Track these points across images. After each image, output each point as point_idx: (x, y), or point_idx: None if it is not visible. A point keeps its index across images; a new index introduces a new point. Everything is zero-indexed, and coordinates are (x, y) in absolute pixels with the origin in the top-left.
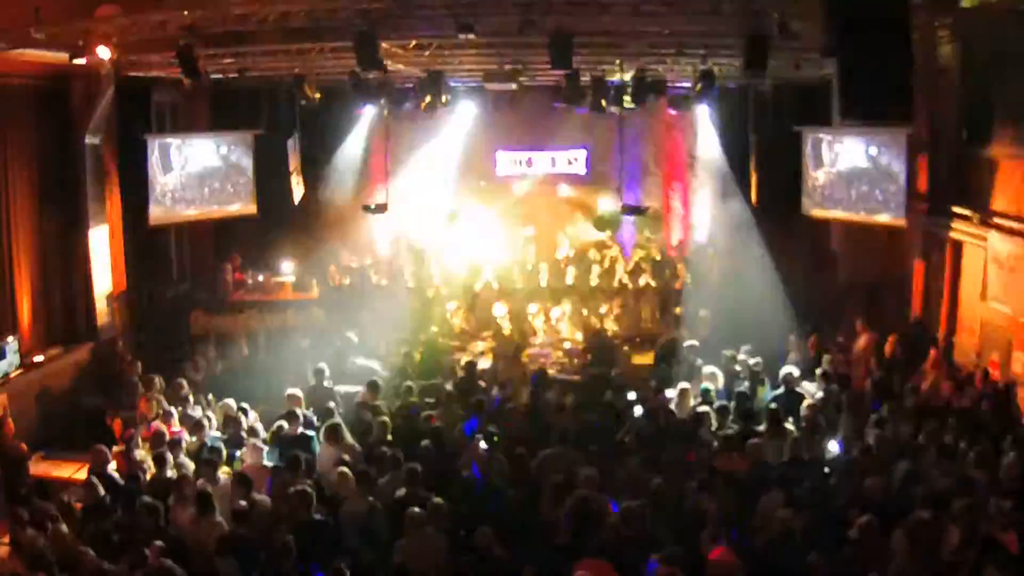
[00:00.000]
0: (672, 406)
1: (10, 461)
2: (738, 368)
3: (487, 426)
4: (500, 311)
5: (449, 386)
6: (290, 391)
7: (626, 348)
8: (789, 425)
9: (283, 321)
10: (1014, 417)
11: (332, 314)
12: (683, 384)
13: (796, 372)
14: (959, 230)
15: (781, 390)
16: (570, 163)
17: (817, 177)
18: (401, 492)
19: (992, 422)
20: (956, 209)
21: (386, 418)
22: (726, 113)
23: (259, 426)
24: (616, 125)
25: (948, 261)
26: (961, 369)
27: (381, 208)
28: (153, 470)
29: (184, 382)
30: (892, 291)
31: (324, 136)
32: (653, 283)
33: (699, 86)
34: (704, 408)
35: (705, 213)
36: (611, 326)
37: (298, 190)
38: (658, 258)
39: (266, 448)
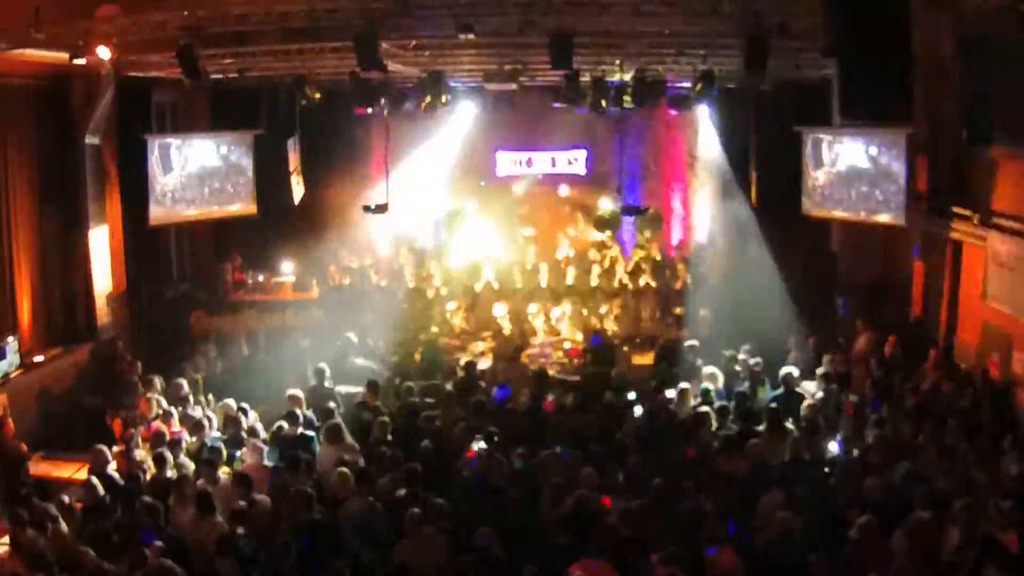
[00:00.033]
0: (672, 406)
1: (10, 461)
2: (738, 368)
3: (487, 426)
4: (500, 311)
5: (449, 386)
6: (291, 391)
7: (626, 348)
8: (789, 425)
9: (283, 321)
10: (1014, 417)
11: (332, 314)
12: (683, 384)
13: (796, 372)
14: (959, 230)
15: (781, 390)
16: (570, 163)
17: (817, 177)
18: (401, 492)
19: (992, 422)
20: (956, 209)
21: (386, 418)
22: (726, 113)
23: (259, 426)
24: (616, 125)
25: (948, 261)
26: (961, 369)
27: (381, 208)
28: (153, 470)
29: (184, 382)
30: (892, 291)
31: (324, 136)
32: (653, 283)
33: (699, 86)
34: (704, 408)
35: (705, 213)
36: (611, 326)
37: (298, 190)
38: (658, 258)
39: (266, 448)
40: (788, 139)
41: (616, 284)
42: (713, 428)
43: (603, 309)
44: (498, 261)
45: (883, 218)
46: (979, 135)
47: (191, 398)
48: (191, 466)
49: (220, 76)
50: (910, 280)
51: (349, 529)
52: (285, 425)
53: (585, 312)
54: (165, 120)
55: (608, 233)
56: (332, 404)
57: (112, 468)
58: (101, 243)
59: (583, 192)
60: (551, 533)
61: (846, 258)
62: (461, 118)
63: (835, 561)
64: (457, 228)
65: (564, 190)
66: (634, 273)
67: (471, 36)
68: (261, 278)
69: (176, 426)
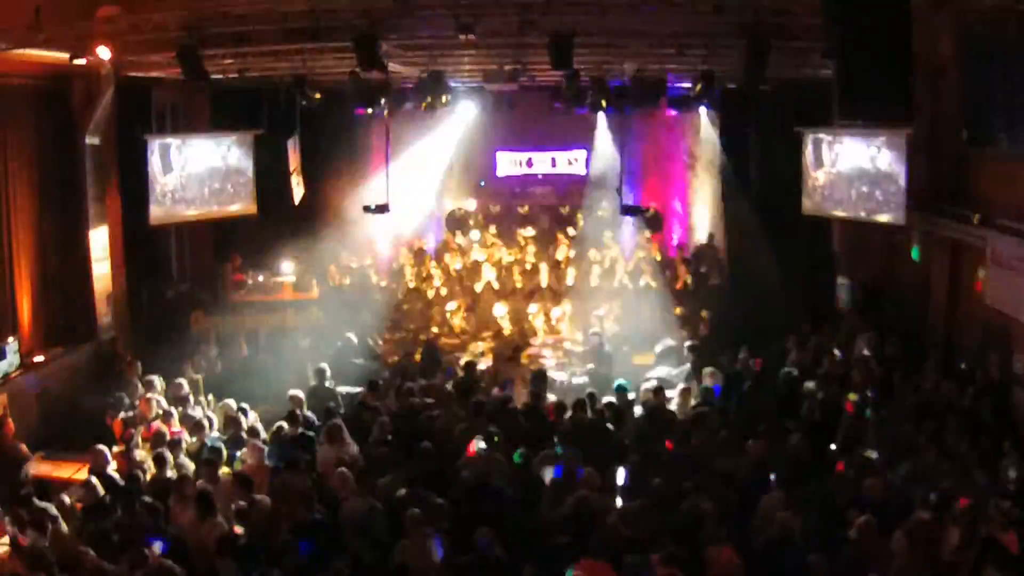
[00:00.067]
0: (672, 406)
1: (10, 461)
2: (738, 368)
3: (487, 426)
4: (500, 311)
5: (449, 386)
6: (291, 392)
7: (626, 348)
8: (789, 425)
9: (283, 321)
10: (1014, 417)
11: (332, 314)
12: (683, 384)
13: (796, 372)
14: (959, 230)
15: (781, 390)
16: (570, 163)
17: (817, 177)
18: (401, 492)
19: (992, 422)
20: (956, 209)
21: (386, 418)
22: (726, 113)
23: (259, 426)
24: (616, 125)
25: (948, 261)
26: (961, 369)
27: (381, 208)
28: (153, 470)
29: (184, 382)
30: (892, 291)
31: (324, 136)
32: (653, 284)
33: (699, 86)
34: (704, 408)
35: (705, 213)
36: (611, 326)
37: (298, 190)
38: (658, 258)
39: (266, 448)
40: (788, 139)
41: (616, 284)
42: (713, 428)
43: (603, 309)
44: (498, 261)
45: (883, 218)
46: (979, 135)
47: (191, 398)
48: (191, 466)
49: (220, 76)
50: (910, 280)
51: (349, 529)
52: (285, 425)
53: (585, 312)
54: (165, 120)
55: (608, 233)
56: (332, 404)
57: (112, 468)
58: (101, 243)
59: (583, 192)
60: (551, 533)
61: (846, 258)
62: (461, 118)
63: (835, 561)
64: (456, 228)
65: (563, 190)
66: (634, 273)
67: (471, 36)
68: (261, 278)
69: (176, 426)
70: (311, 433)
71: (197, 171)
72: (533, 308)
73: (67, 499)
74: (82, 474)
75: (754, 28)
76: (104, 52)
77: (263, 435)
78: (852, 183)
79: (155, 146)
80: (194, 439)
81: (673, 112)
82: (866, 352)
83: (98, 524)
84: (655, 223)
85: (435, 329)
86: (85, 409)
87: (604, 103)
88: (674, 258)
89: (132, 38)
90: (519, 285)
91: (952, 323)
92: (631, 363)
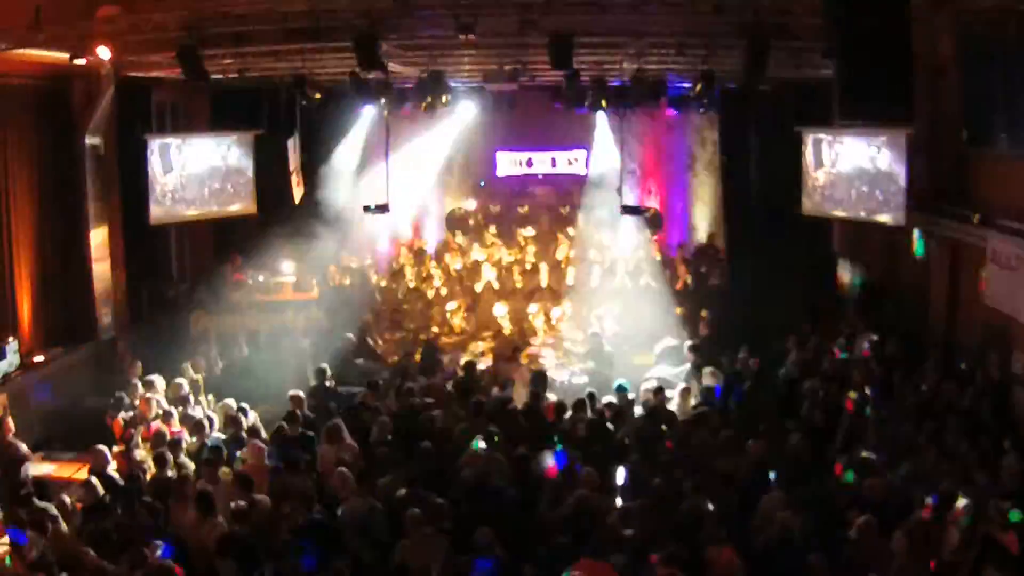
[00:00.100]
0: (672, 406)
1: (10, 461)
2: (738, 368)
3: (487, 426)
4: (500, 311)
5: (449, 386)
6: (292, 391)
7: (626, 348)
8: (789, 425)
9: (283, 321)
10: (1014, 417)
11: (332, 314)
12: (683, 384)
13: (796, 372)
14: (959, 230)
15: (781, 390)
16: (570, 163)
17: (817, 177)
18: (401, 492)
19: (992, 422)
20: (956, 209)
21: (386, 418)
22: (726, 113)
23: (259, 426)
24: (616, 125)
25: (948, 261)
26: (961, 369)
27: (381, 208)
28: (153, 470)
29: (184, 382)
30: (892, 292)
31: (324, 136)
32: (653, 284)
33: (699, 86)
34: (704, 408)
35: (705, 213)
36: (611, 326)
37: (298, 190)
38: (658, 258)
39: (266, 448)
40: (788, 139)
41: (616, 284)
42: (713, 428)
43: (603, 309)
44: (498, 261)
45: (883, 218)
46: (979, 135)
47: (191, 398)
48: (191, 466)
49: (220, 76)
50: (910, 280)
51: (349, 529)
52: (285, 425)
53: (585, 312)
54: (165, 120)
55: (609, 233)
56: (332, 404)
57: (112, 468)
58: (101, 243)
59: (583, 192)
60: (551, 533)
61: (846, 258)
62: (461, 118)
63: (835, 561)
64: (456, 228)
65: (564, 190)
66: (634, 273)
67: (471, 36)
68: (261, 278)
69: (176, 426)
70: (311, 433)
71: (197, 171)
72: (533, 308)
73: (67, 499)
74: (82, 474)
75: (754, 28)
76: (104, 52)
77: (263, 435)
78: (852, 183)
79: (155, 146)
80: (194, 439)
81: (673, 112)
82: (866, 352)
83: (98, 524)
84: (655, 223)
85: (435, 329)
86: (85, 409)
87: (604, 103)
88: (674, 258)
89: (132, 38)
90: (519, 285)
91: (952, 323)
92: (631, 363)
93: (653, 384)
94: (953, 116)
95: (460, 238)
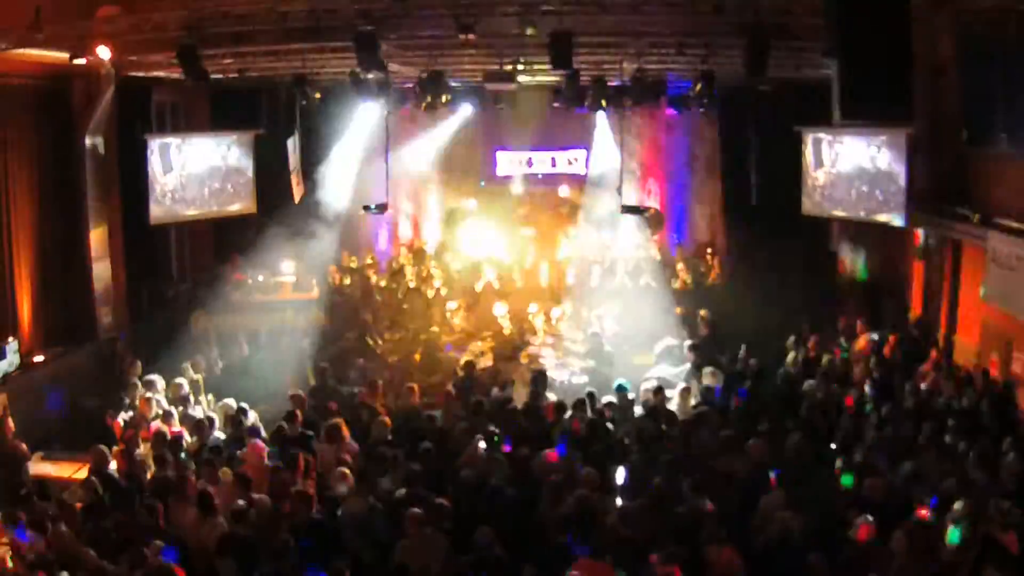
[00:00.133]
0: (672, 406)
1: (10, 461)
2: (738, 368)
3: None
4: (500, 311)
5: (449, 386)
6: (292, 391)
7: (626, 348)
8: (789, 425)
9: (283, 321)
10: (1014, 417)
11: (332, 314)
12: (683, 384)
13: (795, 372)
14: (959, 230)
15: (781, 390)
16: (570, 163)
17: (817, 177)
18: (401, 492)
19: (992, 422)
20: (956, 209)
21: (386, 418)
22: (726, 113)
23: (259, 426)
24: (616, 125)
25: (948, 261)
26: (961, 369)
27: (381, 208)
28: (153, 470)
29: (184, 382)
30: (892, 291)
31: (324, 136)
32: (653, 284)
33: (699, 86)
34: (704, 408)
35: (705, 213)
36: (611, 326)
37: (298, 190)
38: (658, 258)
39: (266, 448)
40: (788, 139)
41: (616, 284)
42: (713, 428)
43: (603, 309)
44: (498, 261)
45: (883, 218)
46: (979, 135)
47: (191, 398)
48: (191, 466)
49: (220, 76)
50: (910, 280)
51: (349, 529)
52: (285, 425)
53: (585, 312)
54: (165, 120)
55: (608, 233)
56: (332, 404)
57: (112, 468)
58: (101, 243)
59: (583, 192)
60: (551, 533)
61: (846, 258)
62: (461, 118)
63: (835, 561)
64: (457, 228)
65: (564, 190)
66: (634, 273)
67: (471, 36)
68: (261, 278)
69: (176, 426)
70: (311, 433)
71: (197, 171)
72: (533, 308)
73: (67, 499)
74: (82, 474)
75: (754, 28)
76: (104, 52)
77: (263, 435)
78: (852, 183)
79: (155, 146)
80: (194, 439)
81: (673, 112)
82: (866, 352)
83: (98, 524)
84: (655, 223)
85: (435, 329)
86: (85, 409)
87: (604, 103)
88: (674, 258)
89: (132, 38)
90: (519, 285)
91: (952, 323)
92: (631, 363)
93: (653, 384)
94: (953, 116)
95: (460, 238)
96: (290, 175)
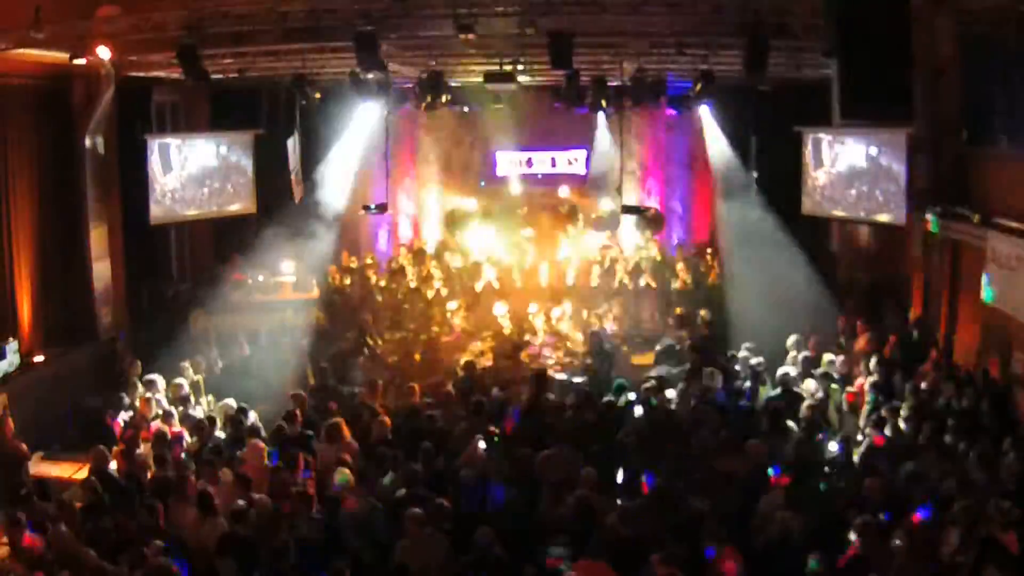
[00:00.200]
0: (672, 406)
1: (10, 461)
2: (738, 368)
3: (487, 426)
4: (500, 311)
5: (449, 386)
6: (293, 391)
7: (626, 348)
8: (790, 424)
9: (283, 321)
10: (1014, 418)
11: (332, 314)
12: (683, 384)
13: (794, 372)
14: (959, 230)
15: (780, 390)
16: (570, 163)
17: (817, 177)
18: (401, 492)
19: (992, 422)
20: (956, 209)
21: (386, 418)
22: (726, 113)
23: (259, 426)
24: (616, 125)
25: (948, 261)
26: (961, 369)
27: (381, 208)
28: (153, 470)
29: (184, 382)
30: (892, 291)
31: (324, 136)
32: (653, 284)
33: (699, 86)
34: (704, 408)
35: (705, 213)
36: (611, 326)
37: (298, 190)
38: (658, 259)
39: (266, 448)
40: (788, 139)
41: (616, 284)
42: (713, 428)
43: (603, 309)
44: (498, 261)
45: (883, 218)
46: (979, 135)
47: (192, 398)
48: (191, 466)
49: (220, 76)
50: (910, 280)
51: (349, 529)
52: (285, 425)
53: (585, 312)
54: (165, 120)
55: (608, 233)
56: (332, 404)
57: (112, 468)
58: (101, 243)
59: (583, 192)
60: (551, 533)
61: (846, 258)
62: (461, 118)
63: (835, 562)
64: (457, 228)
65: (564, 190)
66: (634, 273)
67: (471, 36)
68: (261, 278)
69: (176, 426)
70: (311, 433)
71: (197, 171)
72: (533, 308)
73: (67, 499)
74: (82, 474)
75: (754, 28)
76: (104, 52)
77: (263, 435)
78: (852, 183)
79: (155, 146)
80: (194, 439)
81: (673, 112)
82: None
83: (98, 524)
84: (655, 223)
85: (435, 329)
86: (85, 409)
87: (604, 103)
88: (674, 258)
89: (132, 38)
90: (519, 285)
91: (952, 323)
92: (631, 363)
93: (653, 384)
94: (953, 116)
95: (460, 238)
96: (290, 175)
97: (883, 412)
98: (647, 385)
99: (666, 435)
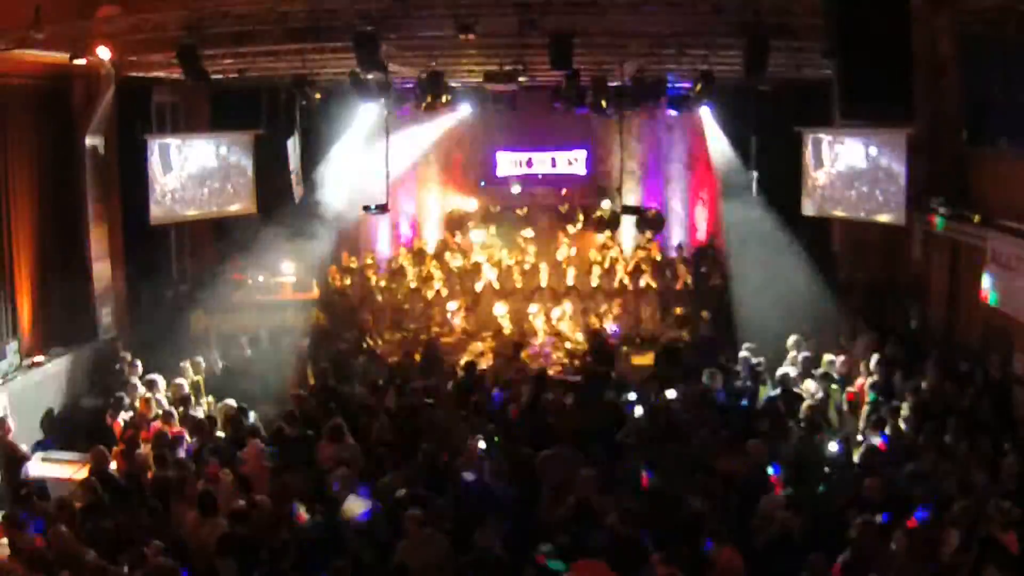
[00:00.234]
0: (672, 406)
1: (10, 461)
2: (738, 368)
3: (487, 426)
4: (500, 311)
5: (449, 386)
6: (293, 391)
7: (626, 348)
8: (790, 424)
9: (283, 321)
10: (1014, 417)
11: (332, 314)
12: (685, 384)
13: (794, 372)
14: (959, 230)
15: (780, 390)
16: (570, 163)
17: (817, 177)
18: (401, 492)
19: (992, 422)
20: (956, 209)
21: (386, 418)
22: (726, 113)
23: (259, 426)
24: (616, 125)
25: (948, 261)
26: (961, 369)
27: (381, 208)
28: (154, 470)
29: (184, 382)
30: (892, 291)
31: (324, 136)
32: (653, 284)
33: (699, 86)
34: (705, 408)
35: (705, 213)
36: (611, 326)
37: (298, 190)
38: (658, 259)
39: (266, 448)
40: (788, 139)
41: (616, 284)
42: (713, 428)
43: (603, 309)
44: (498, 261)
45: (883, 218)
46: (979, 135)
47: (192, 399)
48: (192, 466)
49: (220, 76)
50: (910, 280)
51: (349, 529)
52: (285, 425)
53: (585, 312)
54: (165, 120)
55: (608, 233)
56: (332, 404)
57: (112, 468)
58: (101, 243)
59: (583, 192)
60: (551, 533)
61: (846, 258)
62: (461, 118)
63: (835, 561)
64: (457, 228)
65: (564, 190)
66: (634, 273)
67: (471, 36)
68: (261, 278)
69: (176, 426)
70: (311, 433)
71: (197, 171)
72: (533, 308)
73: (67, 499)
74: (82, 474)
75: (754, 28)
76: (104, 52)
77: (263, 435)
78: (852, 183)
79: (155, 146)
80: (195, 439)
81: (673, 112)
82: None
83: (98, 524)
84: (655, 223)
85: (435, 329)
86: (85, 409)
87: (604, 103)
88: (674, 258)
89: (132, 38)
90: (519, 285)
91: (952, 323)
92: (631, 363)
93: (655, 384)
94: (953, 116)
95: (460, 238)
96: (290, 175)
97: (883, 412)
98: (647, 385)
99: (666, 435)
